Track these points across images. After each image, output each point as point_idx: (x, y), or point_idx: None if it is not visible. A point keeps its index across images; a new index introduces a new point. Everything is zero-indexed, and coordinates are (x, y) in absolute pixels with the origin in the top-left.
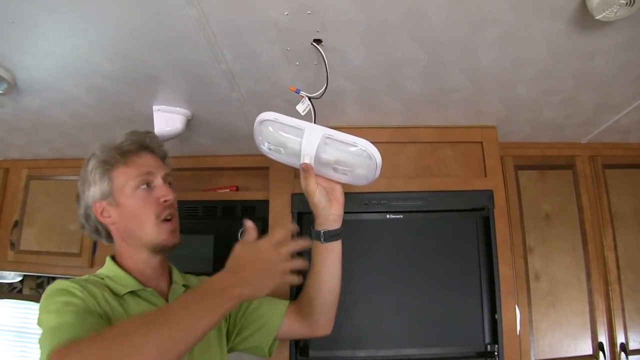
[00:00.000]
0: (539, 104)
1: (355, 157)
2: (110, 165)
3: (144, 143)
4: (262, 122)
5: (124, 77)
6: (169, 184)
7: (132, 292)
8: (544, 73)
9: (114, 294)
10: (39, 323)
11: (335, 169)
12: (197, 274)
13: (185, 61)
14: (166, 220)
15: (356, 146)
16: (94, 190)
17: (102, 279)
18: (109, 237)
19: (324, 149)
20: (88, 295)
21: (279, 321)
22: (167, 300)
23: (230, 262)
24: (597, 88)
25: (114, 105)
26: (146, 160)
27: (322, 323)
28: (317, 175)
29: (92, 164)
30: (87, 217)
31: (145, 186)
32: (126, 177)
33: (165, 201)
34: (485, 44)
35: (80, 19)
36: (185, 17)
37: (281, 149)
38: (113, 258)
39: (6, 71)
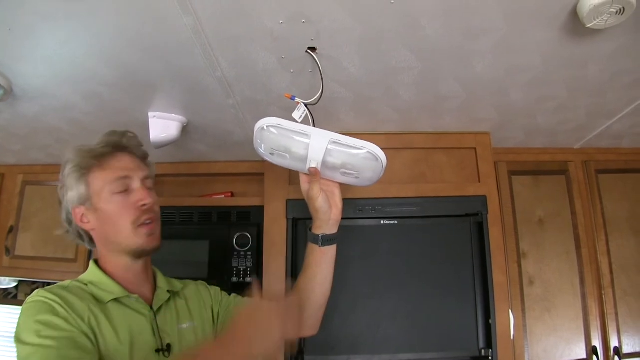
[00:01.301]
0: (533, 110)
1: (362, 161)
2: (86, 170)
3: (120, 144)
4: (264, 127)
5: (120, 84)
6: (148, 187)
7: (116, 300)
8: (537, 80)
9: (98, 301)
10: (18, 341)
11: (342, 173)
12: (194, 279)
13: (181, 68)
14: (144, 224)
15: (363, 149)
16: (71, 196)
17: (86, 284)
18: (92, 241)
19: (330, 153)
20: (71, 313)
21: None
22: (151, 306)
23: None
24: (589, 95)
25: (110, 111)
26: (123, 163)
27: (311, 324)
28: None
29: (67, 169)
30: (69, 222)
31: (122, 190)
32: (102, 182)
33: (142, 205)
34: (479, 52)
35: (77, 26)
36: (181, 25)
37: (286, 154)
38: (96, 262)
39: (3, 78)
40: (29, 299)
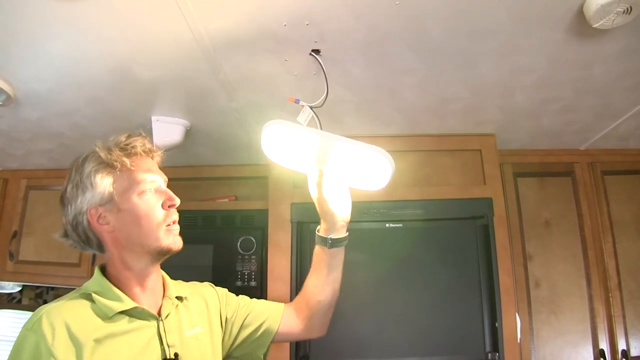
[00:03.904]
0: (538, 111)
1: (369, 165)
2: (113, 168)
3: (146, 147)
4: (272, 129)
5: (123, 89)
6: None
7: (122, 312)
8: (542, 81)
9: (102, 317)
10: None
11: (349, 176)
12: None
13: (183, 72)
14: (169, 225)
15: (371, 154)
16: (91, 195)
17: (90, 294)
18: (100, 246)
19: (337, 157)
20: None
21: (277, 326)
22: (159, 314)
23: None
24: (595, 96)
25: (113, 116)
26: (150, 164)
27: (319, 325)
28: (327, 183)
29: (90, 166)
30: (76, 225)
31: (149, 191)
32: (130, 181)
33: (170, 206)
34: (484, 54)
35: (79, 31)
36: (183, 29)
37: (292, 156)
38: (102, 270)
39: (5, 83)
40: (27, 328)
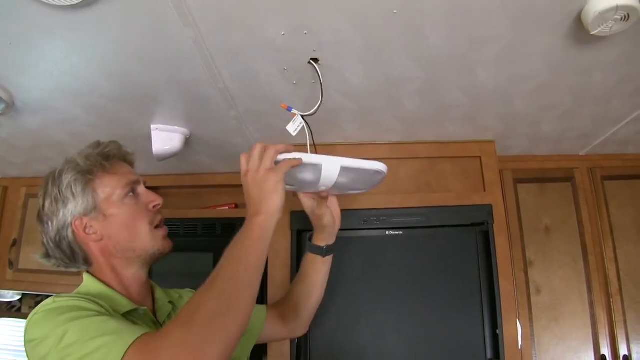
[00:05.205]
0: (537, 118)
1: (367, 177)
2: (93, 175)
3: (121, 151)
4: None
5: (122, 97)
6: None
7: (127, 313)
8: (541, 88)
9: (111, 310)
10: (43, 338)
11: (347, 189)
12: None
13: (183, 81)
14: (159, 227)
15: (372, 170)
16: (73, 206)
17: (90, 297)
18: (86, 260)
19: (340, 178)
20: (99, 307)
21: (260, 328)
22: (155, 318)
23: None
24: (594, 102)
25: (113, 124)
26: (127, 168)
27: (304, 325)
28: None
29: (69, 176)
30: (60, 240)
31: (132, 194)
32: (113, 186)
33: (154, 206)
34: (483, 61)
35: (78, 39)
36: (182, 37)
37: (293, 185)
38: (91, 274)
39: (4, 91)
40: (52, 305)
